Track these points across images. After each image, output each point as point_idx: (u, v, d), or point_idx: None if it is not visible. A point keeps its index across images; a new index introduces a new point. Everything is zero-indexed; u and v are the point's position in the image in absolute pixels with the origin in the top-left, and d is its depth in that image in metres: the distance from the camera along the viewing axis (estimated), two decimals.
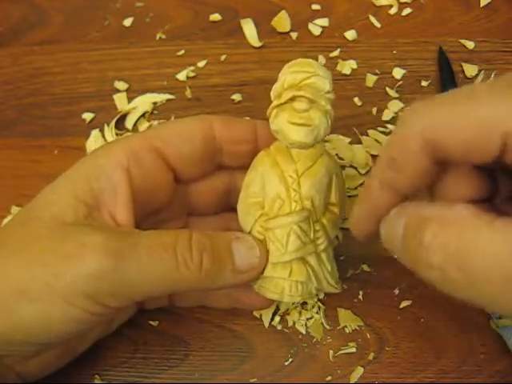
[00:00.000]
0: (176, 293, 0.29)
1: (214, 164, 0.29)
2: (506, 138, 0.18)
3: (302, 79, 0.26)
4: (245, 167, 0.28)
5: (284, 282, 0.26)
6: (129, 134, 0.39)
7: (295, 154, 0.26)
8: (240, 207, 0.28)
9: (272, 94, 0.27)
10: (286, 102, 0.26)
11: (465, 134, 0.18)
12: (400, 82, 0.39)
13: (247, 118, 0.36)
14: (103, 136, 0.39)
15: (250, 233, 0.27)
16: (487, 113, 0.18)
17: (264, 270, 0.26)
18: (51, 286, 0.22)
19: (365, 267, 0.33)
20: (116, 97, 0.40)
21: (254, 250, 0.26)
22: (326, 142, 0.37)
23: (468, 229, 0.18)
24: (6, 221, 0.36)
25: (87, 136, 0.39)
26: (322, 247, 0.27)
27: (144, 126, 0.39)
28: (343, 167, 0.36)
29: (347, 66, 0.40)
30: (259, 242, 0.26)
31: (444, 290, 0.19)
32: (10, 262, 0.23)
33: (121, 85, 0.41)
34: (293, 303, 0.32)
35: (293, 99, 0.26)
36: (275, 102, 0.26)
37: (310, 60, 0.27)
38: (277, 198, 0.26)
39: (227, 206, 0.31)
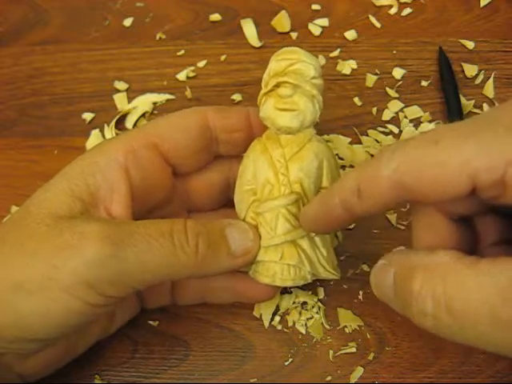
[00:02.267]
0: (174, 279, 0.29)
1: (210, 154, 0.29)
2: (474, 177, 0.18)
3: (287, 66, 0.26)
4: (242, 157, 0.29)
5: (275, 265, 0.26)
6: None
7: (283, 140, 0.27)
8: (235, 196, 0.28)
9: (262, 83, 0.27)
10: (271, 90, 0.26)
11: (432, 176, 0.19)
12: (400, 82, 0.39)
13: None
14: (103, 136, 0.39)
15: (244, 219, 0.27)
16: (453, 156, 0.19)
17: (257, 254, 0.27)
18: (51, 278, 0.22)
19: (365, 267, 0.33)
20: (116, 97, 0.40)
21: (247, 234, 0.26)
22: (328, 141, 0.37)
23: (451, 274, 0.18)
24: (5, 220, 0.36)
25: (87, 136, 0.39)
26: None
27: None
28: (343, 167, 0.36)
29: (347, 66, 0.40)
30: (252, 227, 0.27)
31: (439, 335, 0.19)
32: (9, 257, 0.23)
33: (121, 85, 0.41)
34: (293, 303, 0.32)
35: (278, 86, 0.26)
36: (263, 90, 0.27)
37: (295, 48, 0.27)
38: (266, 182, 0.26)
39: (226, 201, 0.31)
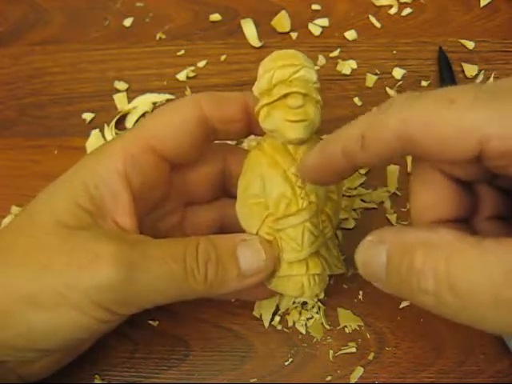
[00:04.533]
0: (184, 300, 0.29)
1: (209, 143, 0.29)
2: (483, 143, 0.18)
3: (291, 73, 0.25)
4: (239, 152, 0.29)
5: (302, 278, 0.26)
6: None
7: (293, 150, 0.26)
8: (241, 210, 0.27)
9: (256, 91, 0.26)
10: (277, 100, 0.25)
11: (441, 135, 0.19)
12: (400, 82, 0.39)
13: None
14: (103, 136, 0.39)
15: (256, 234, 0.27)
16: (467, 118, 0.18)
17: (278, 269, 0.26)
18: (63, 296, 0.22)
19: None
20: (116, 97, 0.40)
21: (259, 254, 0.26)
22: None
23: (455, 252, 0.18)
24: (6, 220, 0.36)
25: (87, 136, 0.39)
26: (328, 236, 0.27)
27: None
28: None
29: (347, 66, 0.40)
30: (266, 244, 0.26)
31: (439, 314, 0.19)
32: (20, 270, 0.23)
33: (121, 85, 0.41)
34: (293, 302, 0.32)
35: (285, 96, 0.25)
36: (265, 101, 0.25)
37: (292, 50, 0.26)
38: (282, 197, 0.26)
39: (222, 192, 0.31)
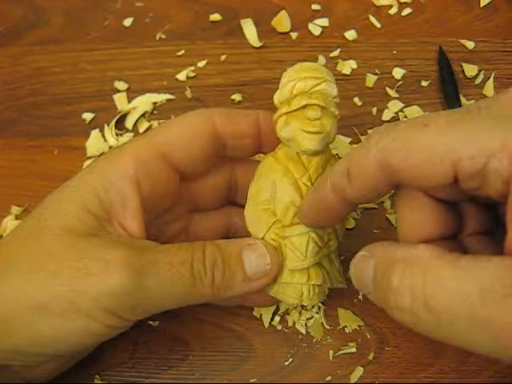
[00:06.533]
0: (191, 304, 0.29)
1: (218, 159, 0.29)
2: (456, 165, 0.18)
3: (313, 86, 0.25)
4: (247, 163, 0.29)
5: (302, 286, 0.26)
6: (129, 134, 0.39)
7: (306, 161, 0.26)
8: (249, 215, 0.27)
9: (277, 99, 0.27)
10: (296, 110, 0.26)
11: (416, 160, 0.19)
12: (400, 82, 0.39)
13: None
14: (103, 136, 0.39)
15: (262, 239, 0.27)
16: (439, 141, 0.19)
17: (279, 276, 0.27)
18: (73, 302, 0.22)
19: None
20: (116, 97, 0.40)
21: (264, 258, 0.26)
22: None
23: (431, 270, 0.18)
24: (6, 220, 0.36)
25: (87, 136, 0.39)
26: (332, 248, 0.27)
27: (144, 126, 0.39)
28: None
29: (347, 66, 0.40)
30: (271, 249, 0.26)
31: (416, 331, 0.19)
32: (29, 277, 0.23)
33: (121, 85, 0.41)
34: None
35: (304, 107, 0.25)
36: (284, 110, 0.26)
37: (316, 64, 0.27)
38: (291, 205, 0.26)
39: (228, 200, 0.31)
